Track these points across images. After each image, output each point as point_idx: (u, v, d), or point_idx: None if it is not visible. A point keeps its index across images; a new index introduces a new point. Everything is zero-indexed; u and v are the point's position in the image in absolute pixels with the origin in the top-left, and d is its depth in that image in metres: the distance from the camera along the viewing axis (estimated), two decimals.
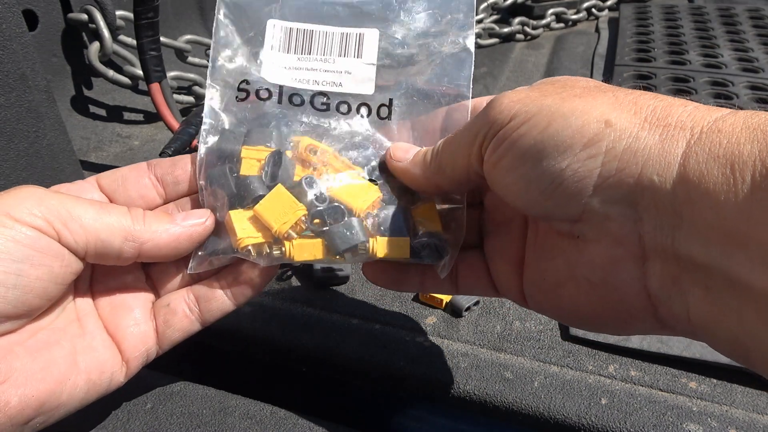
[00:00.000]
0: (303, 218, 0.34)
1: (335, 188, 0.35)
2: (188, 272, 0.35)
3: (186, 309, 0.35)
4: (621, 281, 0.27)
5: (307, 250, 0.34)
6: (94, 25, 0.69)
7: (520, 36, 1.08)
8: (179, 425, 0.39)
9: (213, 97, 0.37)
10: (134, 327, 0.34)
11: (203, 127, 0.37)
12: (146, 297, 0.36)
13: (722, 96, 0.77)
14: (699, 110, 0.25)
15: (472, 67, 0.37)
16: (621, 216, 0.26)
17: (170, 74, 0.73)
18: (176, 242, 0.34)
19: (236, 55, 0.38)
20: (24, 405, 0.29)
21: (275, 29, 0.39)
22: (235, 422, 0.39)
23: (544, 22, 1.10)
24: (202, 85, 0.78)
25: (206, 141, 0.36)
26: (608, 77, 0.85)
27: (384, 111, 0.38)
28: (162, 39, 0.64)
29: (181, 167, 0.37)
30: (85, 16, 0.69)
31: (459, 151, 0.31)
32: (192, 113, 0.62)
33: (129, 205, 0.35)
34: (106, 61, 0.72)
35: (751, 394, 0.39)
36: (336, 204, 0.34)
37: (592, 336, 0.43)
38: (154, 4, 0.55)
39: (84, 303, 0.35)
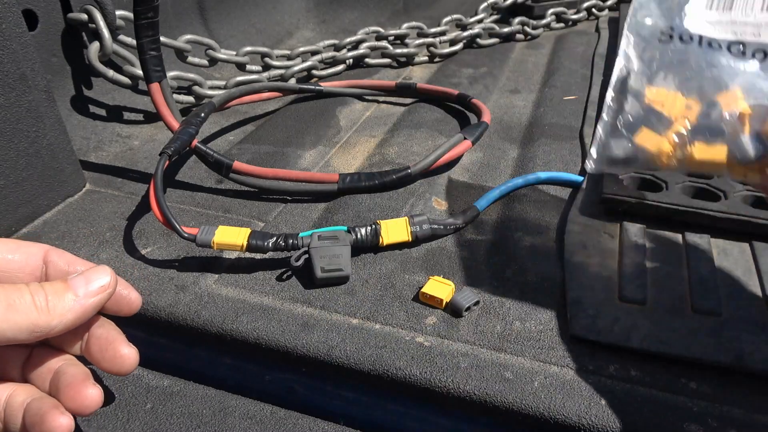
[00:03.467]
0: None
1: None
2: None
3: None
4: None
5: None
6: (94, 25, 0.69)
7: (520, 36, 1.08)
8: (179, 425, 0.39)
9: (628, 45, 0.42)
10: None
11: (615, 68, 0.41)
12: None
13: None
14: None
15: None
16: None
17: (170, 74, 0.73)
18: (84, 315, 0.35)
19: (653, 15, 0.42)
20: None
21: None
22: (235, 422, 0.39)
23: (544, 22, 1.10)
24: (202, 85, 0.78)
25: (615, 82, 0.41)
26: (608, 77, 0.85)
27: None
28: (162, 39, 0.64)
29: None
30: (85, 16, 0.69)
31: None
32: (192, 113, 0.62)
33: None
34: (106, 61, 0.72)
35: (751, 394, 0.39)
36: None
37: (592, 336, 0.43)
38: (154, 4, 0.55)
39: None
